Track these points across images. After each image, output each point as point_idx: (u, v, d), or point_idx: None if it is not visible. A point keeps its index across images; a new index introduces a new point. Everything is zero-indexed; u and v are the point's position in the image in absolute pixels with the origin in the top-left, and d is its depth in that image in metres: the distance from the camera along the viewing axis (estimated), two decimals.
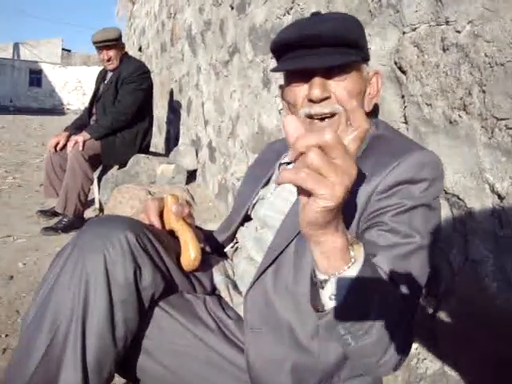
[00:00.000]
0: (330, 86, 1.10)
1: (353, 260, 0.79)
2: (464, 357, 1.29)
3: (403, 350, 0.91)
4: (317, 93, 1.08)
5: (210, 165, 4.04)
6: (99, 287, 1.00)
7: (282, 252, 1.10)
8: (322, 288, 0.81)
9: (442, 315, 1.33)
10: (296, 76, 1.14)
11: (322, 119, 1.12)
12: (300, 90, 1.14)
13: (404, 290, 0.94)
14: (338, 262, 0.78)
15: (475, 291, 1.22)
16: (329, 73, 1.10)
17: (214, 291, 1.29)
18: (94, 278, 1.00)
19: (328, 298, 0.81)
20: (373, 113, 1.31)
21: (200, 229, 1.41)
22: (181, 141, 5.22)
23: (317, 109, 1.10)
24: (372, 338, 0.84)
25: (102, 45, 3.97)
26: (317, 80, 1.09)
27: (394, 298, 0.89)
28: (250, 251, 1.27)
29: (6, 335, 2.01)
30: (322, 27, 1.08)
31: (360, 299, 0.81)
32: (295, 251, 1.09)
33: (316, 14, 1.15)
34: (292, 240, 1.09)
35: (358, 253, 0.80)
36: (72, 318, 0.99)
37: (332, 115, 1.11)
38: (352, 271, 0.78)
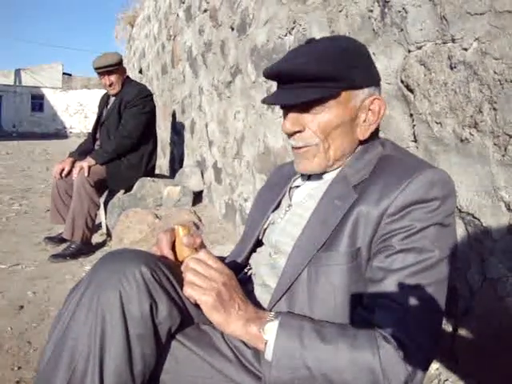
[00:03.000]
0: (305, 119, 1.12)
1: (265, 342, 0.97)
2: (487, 376, 1.27)
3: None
4: (286, 127, 1.12)
5: (216, 186, 4.04)
6: (115, 323, 0.99)
7: (295, 279, 1.09)
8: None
9: (463, 335, 1.31)
10: (283, 109, 1.17)
11: (299, 148, 1.15)
12: (283, 123, 1.16)
13: (418, 305, 0.94)
14: (257, 345, 1.00)
15: (496, 310, 1.20)
16: (305, 106, 1.11)
17: None
18: (110, 314, 0.99)
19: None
20: (374, 133, 1.27)
21: None
22: (185, 162, 5.23)
23: (292, 142, 1.15)
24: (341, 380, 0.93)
25: (103, 70, 3.98)
26: (290, 115, 1.12)
27: (339, 347, 0.94)
28: (264, 277, 1.26)
29: (19, 367, 1.99)
30: (293, 63, 1.09)
31: (292, 371, 0.95)
32: (308, 277, 1.07)
33: (307, 42, 1.16)
34: (305, 266, 1.08)
35: (270, 333, 0.97)
36: (89, 356, 0.97)
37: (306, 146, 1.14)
38: (269, 352, 0.96)
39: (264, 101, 1.18)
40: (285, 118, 1.15)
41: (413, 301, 0.94)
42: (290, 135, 1.14)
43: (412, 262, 0.97)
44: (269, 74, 1.15)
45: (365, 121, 1.16)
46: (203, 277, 0.98)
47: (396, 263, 0.98)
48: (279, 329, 0.96)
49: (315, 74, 1.09)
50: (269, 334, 0.96)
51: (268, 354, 0.96)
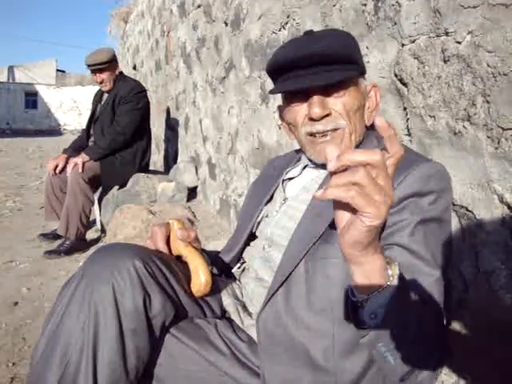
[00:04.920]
0: (329, 103, 1.11)
1: (391, 278, 0.79)
2: (479, 369, 1.27)
3: (437, 366, 0.93)
4: (317, 111, 1.09)
5: (211, 181, 4.04)
6: (109, 317, 0.99)
7: (291, 272, 1.09)
8: (363, 307, 0.82)
9: (456, 327, 1.32)
10: (294, 96, 1.15)
11: (325, 135, 1.12)
12: (299, 110, 1.15)
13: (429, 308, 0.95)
14: (377, 281, 0.78)
15: (488, 303, 1.21)
16: (327, 90, 1.10)
17: (224, 314, 1.27)
18: (103, 308, 0.99)
19: (369, 316, 0.82)
20: (373, 126, 1.31)
21: (204, 251, 1.39)
22: (180, 158, 5.22)
23: (319, 127, 1.12)
24: (409, 354, 0.85)
25: (94, 68, 3.97)
26: (315, 99, 1.10)
27: (429, 316, 0.90)
28: (257, 271, 1.26)
29: (14, 363, 1.98)
30: (315, 46, 1.08)
31: (399, 317, 0.82)
32: (305, 270, 1.07)
33: (308, 33, 1.15)
34: (301, 259, 1.08)
35: (395, 271, 0.81)
36: (82, 350, 0.97)
37: (334, 130, 1.12)
38: (390, 289, 0.79)
39: (285, 88, 1.15)
40: (308, 104, 1.11)
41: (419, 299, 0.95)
42: (317, 121, 1.11)
43: (412, 261, 0.98)
44: (293, 59, 1.10)
45: (368, 107, 1.20)
46: (379, 187, 0.68)
47: (400, 260, 0.97)
48: (400, 271, 0.82)
49: (345, 56, 1.10)
50: (394, 272, 0.81)
51: (386, 292, 0.80)
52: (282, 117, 1.27)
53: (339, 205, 0.71)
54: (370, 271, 0.77)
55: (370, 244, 0.73)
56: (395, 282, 0.79)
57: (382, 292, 0.79)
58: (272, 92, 1.16)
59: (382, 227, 1.01)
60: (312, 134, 1.14)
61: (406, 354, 0.84)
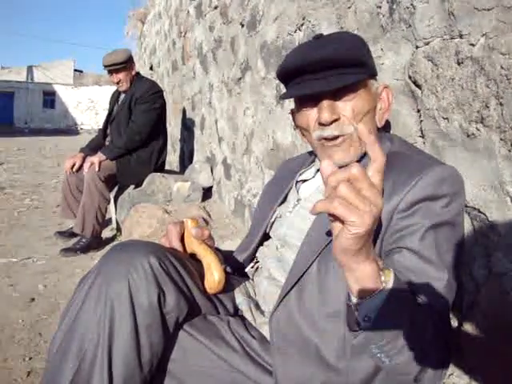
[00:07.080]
0: (339, 107, 1.12)
1: (384, 284, 0.83)
2: (491, 371, 1.27)
3: (439, 368, 0.93)
4: (325, 116, 1.10)
5: (226, 181, 4.06)
6: (124, 313, 1.01)
7: (304, 272, 1.10)
8: (357, 310, 0.85)
9: (468, 329, 1.32)
10: (305, 101, 1.16)
11: (335, 139, 1.13)
12: (310, 115, 1.16)
13: (435, 311, 0.96)
14: (369, 286, 0.82)
15: (500, 305, 1.21)
16: (336, 94, 1.11)
17: (236, 312, 1.29)
18: (119, 304, 1.01)
19: (362, 319, 0.85)
20: (385, 127, 1.31)
21: (219, 250, 1.41)
22: (195, 158, 5.24)
23: (328, 131, 1.13)
24: (405, 356, 0.86)
25: (110, 68, 4.01)
26: (325, 103, 1.11)
27: (425, 319, 0.90)
28: (271, 270, 1.27)
29: (30, 358, 2.02)
30: (323, 51, 1.10)
31: (391, 320, 0.85)
32: (318, 270, 1.08)
33: (317, 37, 1.17)
34: (314, 259, 1.09)
35: (389, 277, 0.84)
36: (98, 344, 1.00)
37: (344, 134, 1.13)
38: (382, 295, 0.83)
39: (293, 94, 1.17)
40: (318, 109, 1.13)
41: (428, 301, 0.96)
42: (326, 125, 1.12)
43: (421, 266, 0.98)
44: (302, 64, 1.12)
45: (380, 109, 1.20)
46: (362, 197, 0.74)
47: (411, 265, 0.99)
48: (395, 278, 0.86)
49: (354, 59, 1.11)
50: (387, 278, 0.84)
51: (379, 297, 0.83)
52: (294, 121, 1.29)
53: (331, 216, 0.76)
54: (362, 277, 0.81)
55: (360, 251, 0.78)
56: (388, 287, 0.83)
57: (374, 297, 0.83)
58: (281, 98, 1.19)
59: (376, 234, 1.03)
60: (323, 139, 1.15)
61: (402, 355, 0.87)
